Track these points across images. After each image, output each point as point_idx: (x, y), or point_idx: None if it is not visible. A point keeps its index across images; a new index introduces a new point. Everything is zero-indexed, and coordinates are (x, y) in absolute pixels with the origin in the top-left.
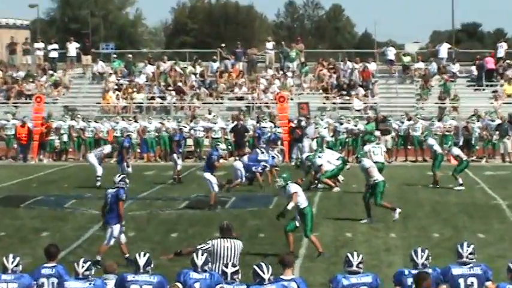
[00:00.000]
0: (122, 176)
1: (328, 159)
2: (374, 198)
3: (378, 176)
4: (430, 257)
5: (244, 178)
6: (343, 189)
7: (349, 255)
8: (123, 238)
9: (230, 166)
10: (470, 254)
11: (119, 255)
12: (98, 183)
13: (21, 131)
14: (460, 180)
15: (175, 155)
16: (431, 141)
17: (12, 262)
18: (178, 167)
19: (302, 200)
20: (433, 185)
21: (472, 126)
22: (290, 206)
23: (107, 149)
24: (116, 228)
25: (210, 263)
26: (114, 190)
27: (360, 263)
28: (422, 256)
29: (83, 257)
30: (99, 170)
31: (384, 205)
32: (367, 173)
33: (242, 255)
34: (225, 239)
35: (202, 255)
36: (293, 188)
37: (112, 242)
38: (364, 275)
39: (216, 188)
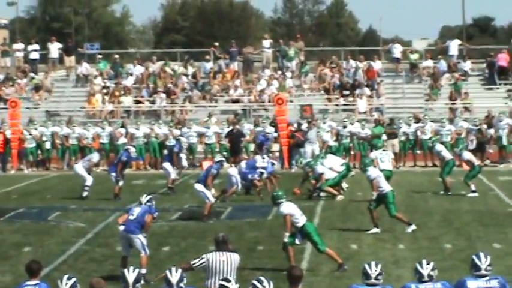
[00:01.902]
0: (150, 196)
1: (331, 166)
2: (388, 210)
3: (385, 186)
4: (436, 269)
5: (240, 185)
6: (347, 197)
7: (366, 266)
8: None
9: (225, 173)
10: (488, 265)
11: (107, 271)
12: (85, 193)
13: None
14: (473, 187)
15: (167, 164)
16: (439, 147)
17: None
18: (172, 176)
19: (297, 219)
20: (445, 192)
21: (485, 128)
22: (285, 236)
23: (95, 157)
24: (142, 236)
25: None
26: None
27: (378, 274)
28: (427, 267)
29: (67, 274)
30: (89, 180)
31: (399, 217)
32: (373, 184)
33: (239, 270)
34: (220, 253)
35: (176, 271)
36: (285, 208)
37: (147, 249)
38: (382, 287)
39: (212, 199)
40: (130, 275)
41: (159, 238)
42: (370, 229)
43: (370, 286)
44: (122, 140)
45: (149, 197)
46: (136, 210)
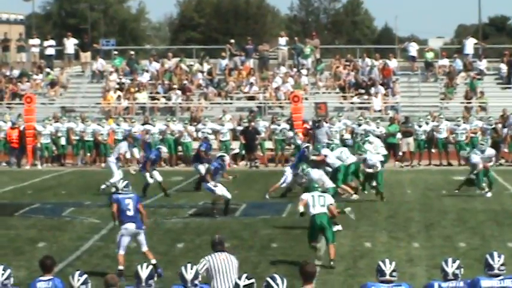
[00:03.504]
0: (126, 182)
1: (339, 156)
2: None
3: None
4: (462, 268)
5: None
6: (361, 196)
7: (380, 263)
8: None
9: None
10: (501, 265)
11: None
12: (103, 186)
13: (12, 134)
14: (486, 188)
15: (199, 165)
16: (475, 158)
17: (2, 274)
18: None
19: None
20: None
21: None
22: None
23: (123, 147)
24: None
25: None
26: (133, 194)
27: (393, 271)
28: (453, 265)
29: (80, 270)
30: (116, 177)
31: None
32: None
33: (253, 267)
34: (219, 253)
35: (191, 268)
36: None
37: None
38: (397, 284)
39: (220, 192)
40: (144, 271)
41: (173, 235)
42: (384, 227)
43: (384, 283)
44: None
45: (126, 182)
46: (130, 204)
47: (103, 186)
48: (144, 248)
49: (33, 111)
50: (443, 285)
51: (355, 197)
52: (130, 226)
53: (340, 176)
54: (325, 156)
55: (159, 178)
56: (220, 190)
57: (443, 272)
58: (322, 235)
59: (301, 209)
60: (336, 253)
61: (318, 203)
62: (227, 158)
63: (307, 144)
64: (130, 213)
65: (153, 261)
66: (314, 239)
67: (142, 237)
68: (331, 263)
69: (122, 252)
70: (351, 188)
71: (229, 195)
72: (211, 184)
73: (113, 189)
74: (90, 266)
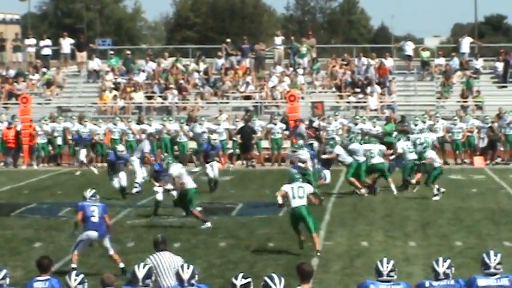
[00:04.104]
0: (94, 191)
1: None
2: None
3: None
4: (452, 267)
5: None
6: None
7: (378, 263)
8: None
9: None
10: (498, 264)
11: (118, 267)
12: (135, 190)
13: (8, 134)
14: (435, 190)
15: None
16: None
17: None
18: (211, 175)
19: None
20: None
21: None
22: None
23: (147, 146)
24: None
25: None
26: (99, 203)
27: (391, 271)
28: (443, 265)
29: (76, 270)
30: (140, 176)
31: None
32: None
33: (250, 266)
34: (162, 252)
35: (188, 268)
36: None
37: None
38: (395, 283)
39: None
40: (140, 271)
41: (169, 234)
42: (381, 226)
43: (383, 282)
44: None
45: (93, 191)
46: (95, 211)
47: (134, 190)
48: (111, 252)
49: (29, 112)
50: (434, 284)
51: (363, 191)
52: (93, 234)
53: (351, 170)
54: (338, 155)
55: (124, 183)
56: (161, 194)
57: (435, 272)
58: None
59: (279, 200)
60: (320, 244)
61: (297, 195)
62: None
63: (310, 141)
64: (94, 219)
65: (121, 265)
66: (297, 232)
67: (107, 242)
68: (317, 253)
69: (76, 252)
70: (361, 184)
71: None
72: (156, 186)
73: (135, 190)
74: (87, 266)
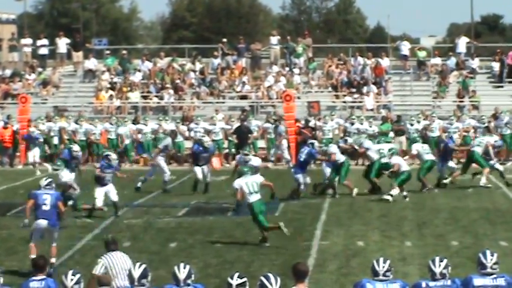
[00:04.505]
0: (49, 180)
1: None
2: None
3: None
4: (449, 267)
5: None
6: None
7: (374, 263)
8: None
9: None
10: (494, 263)
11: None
12: (166, 187)
13: (5, 134)
14: (404, 193)
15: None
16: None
17: None
18: (200, 177)
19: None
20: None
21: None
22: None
23: (167, 141)
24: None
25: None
26: (53, 191)
27: (387, 270)
28: (440, 265)
29: (73, 269)
30: (167, 172)
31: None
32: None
33: (246, 266)
34: (113, 252)
35: (184, 268)
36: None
37: None
38: (392, 281)
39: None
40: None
41: (166, 234)
42: (377, 226)
43: (379, 282)
44: (144, 137)
45: (49, 180)
46: (48, 199)
47: (166, 187)
48: (53, 244)
49: (28, 111)
50: (431, 285)
51: (355, 191)
52: (43, 222)
53: (343, 172)
54: (334, 153)
55: (114, 197)
56: (100, 198)
57: (431, 272)
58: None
59: (240, 198)
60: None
61: (252, 189)
62: (114, 157)
63: (311, 141)
64: (46, 207)
65: (53, 259)
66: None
67: (55, 234)
68: (265, 243)
69: (32, 243)
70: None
71: (115, 198)
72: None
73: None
74: (83, 265)
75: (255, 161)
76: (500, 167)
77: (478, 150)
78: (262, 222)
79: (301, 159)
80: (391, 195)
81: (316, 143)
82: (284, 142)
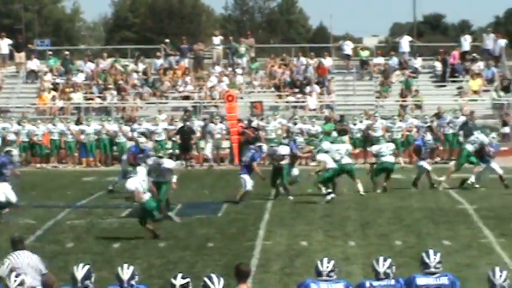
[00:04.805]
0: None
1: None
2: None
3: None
4: (393, 266)
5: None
6: (297, 193)
7: (318, 263)
8: None
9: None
10: (437, 263)
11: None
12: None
13: None
14: (324, 190)
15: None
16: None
17: None
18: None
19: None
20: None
21: (436, 125)
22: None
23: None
24: None
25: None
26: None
27: (331, 271)
28: (384, 265)
29: (17, 271)
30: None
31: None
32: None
33: (190, 266)
34: (20, 251)
35: (128, 268)
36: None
37: None
38: (335, 281)
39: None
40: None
41: (109, 235)
42: (320, 226)
43: (323, 282)
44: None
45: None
46: None
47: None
48: None
49: None
50: (374, 284)
51: (290, 198)
52: None
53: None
54: (284, 155)
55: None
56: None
57: (375, 271)
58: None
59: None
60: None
61: (146, 189)
62: (15, 153)
63: (259, 144)
64: None
65: None
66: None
67: None
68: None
69: None
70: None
71: (14, 199)
72: None
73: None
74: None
75: (168, 163)
76: (429, 167)
77: (470, 148)
78: (155, 217)
79: (246, 162)
80: (327, 194)
81: (265, 146)
82: (210, 141)
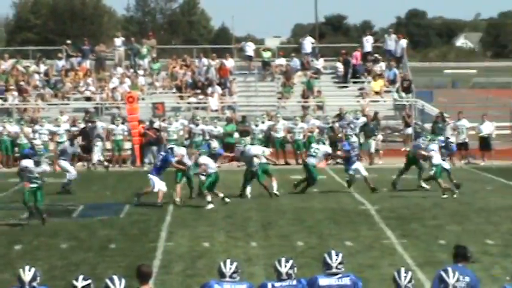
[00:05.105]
0: None
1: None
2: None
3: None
4: (295, 267)
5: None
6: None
7: (221, 264)
8: None
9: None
10: (339, 263)
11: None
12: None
13: None
14: (209, 198)
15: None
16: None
17: None
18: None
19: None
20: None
21: (338, 126)
22: None
23: (62, 146)
24: None
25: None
26: None
27: (234, 272)
28: (286, 265)
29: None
30: (72, 174)
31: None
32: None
33: (92, 268)
34: None
35: (29, 270)
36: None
37: None
38: (239, 283)
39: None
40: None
41: (10, 237)
42: (222, 227)
43: (226, 283)
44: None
45: None
46: None
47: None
48: None
49: None
50: (276, 285)
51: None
52: None
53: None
54: (205, 164)
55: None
56: None
57: (277, 272)
58: None
59: None
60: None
61: None
62: None
63: (170, 146)
64: None
65: None
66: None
67: None
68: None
69: None
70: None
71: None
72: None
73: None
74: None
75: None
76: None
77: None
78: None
79: (157, 164)
80: (210, 202)
81: (176, 148)
82: (99, 143)
